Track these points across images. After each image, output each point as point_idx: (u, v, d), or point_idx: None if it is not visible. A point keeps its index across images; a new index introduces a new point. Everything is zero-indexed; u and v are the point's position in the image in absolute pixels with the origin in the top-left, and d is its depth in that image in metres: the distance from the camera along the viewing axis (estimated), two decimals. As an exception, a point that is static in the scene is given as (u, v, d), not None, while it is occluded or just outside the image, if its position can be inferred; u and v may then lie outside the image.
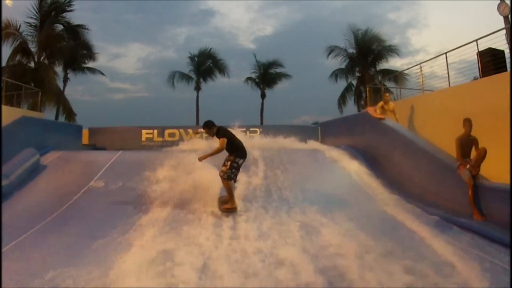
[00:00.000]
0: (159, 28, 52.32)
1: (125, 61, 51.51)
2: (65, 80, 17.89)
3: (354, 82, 19.18)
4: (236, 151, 5.50)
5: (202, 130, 5.71)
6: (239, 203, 5.76)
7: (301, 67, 42.73)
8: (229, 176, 5.42)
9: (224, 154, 5.63)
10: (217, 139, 5.56)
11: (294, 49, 47.85)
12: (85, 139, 14.15)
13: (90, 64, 18.71)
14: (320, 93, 40.80)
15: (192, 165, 6.43)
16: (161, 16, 52.13)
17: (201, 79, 21.63)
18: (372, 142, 8.94)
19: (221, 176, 5.47)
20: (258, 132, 14.65)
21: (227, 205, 5.47)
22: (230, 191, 5.46)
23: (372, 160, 8.36)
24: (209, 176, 6.04)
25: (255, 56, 22.11)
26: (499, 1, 7.17)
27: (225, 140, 5.38)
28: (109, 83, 48.27)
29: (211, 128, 5.58)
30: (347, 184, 7.17)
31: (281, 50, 47.78)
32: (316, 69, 40.29)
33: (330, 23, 43.87)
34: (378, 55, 18.49)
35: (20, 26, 15.40)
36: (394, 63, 43.16)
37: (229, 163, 5.43)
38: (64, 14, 16.73)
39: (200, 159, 5.55)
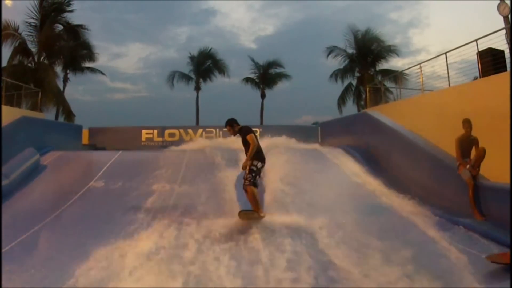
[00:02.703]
0: (160, 27, 52.15)
1: (126, 60, 51.31)
2: (65, 80, 17.88)
3: (354, 82, 19.20)
4: (256, 153, 5.05)
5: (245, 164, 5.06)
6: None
7: (302, 66, 42.55)
8: (251, 181, 4.91)
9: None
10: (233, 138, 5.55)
11: (295, 49, 47.74)
12: (85, 139, 14.14)
13: (90, 64, 18.72)
14: (321, 93, 40.71)
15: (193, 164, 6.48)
16: (162, 15, 52.02)
17: (201, 79, 21.63)
18: (372, 142, 8.95)
19: (245, 186, 4.95)
20: (258, 132, 14.66)
21: (254, 215, 4.95)
22: (254, 199, 4.93)
23: (372, 160, 8.36)
24: (207, 173, 6.13)
25: (252, 59, 22.05)
26: (499, 1, 7.17)
27: (253, 137, 5.03)
28: (110, 83, 48.13)
29: (234, 126, 5.27)
30: (346, 183, 7.16)
31: (282, 49, 47.55)
32: (317, 69, 40.15)
33: (332, 22, 43.75)
34: (378, 55, 18.49)
35: (18, 27, 15.42)
36: (395, 63, 42.95)
37: (247, 168, 4.99)
38: (64, 14, 16.73)
39: (244, 166, 5.04)
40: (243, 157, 5.37)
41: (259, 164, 5.04)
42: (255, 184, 4.96)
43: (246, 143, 5.09)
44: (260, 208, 5.02)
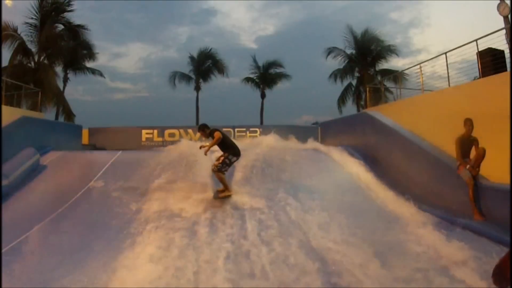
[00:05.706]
0: (161, 27, 52.12)
1: (126, 60, 51.27)
2: (65, 80, 17.89)
3: (354, 82, 19.20)
4: (230, 149, 5.99)
5: (205, 145, 6.08)
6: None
7: (303, 66, 42.52)
8: (219, 169, 5.89)
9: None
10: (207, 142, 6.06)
11: (296, 49, 47.72)
12: (85, 139, 14.16)
13: (91, 64, 18.73)
14: (321, 93, 40.70)
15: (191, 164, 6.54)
16: (162, 15, 51.98)
17: (201, 79, 21.63)
18: (372, 142, 8.94)
19: (213, 170, 5.98)
20: (258, 132, 14.66)
21: (224, 193, 5.97)
22: (223, 180, 5.98)
23: (372, 160, 8.35)
24: (205, 174, 6.42)
25: (254, 59, 22.02)
26: (499, 1, 7.16)
27: (219, 133, 5.84)
28: (110, 83, 48.02)
29: (205, 131, 6.07)
30: (346, 183, 7.16)
31: (283, 49, 47.49)
32: (317, 69, 40.10)
33: (332, 22, 43.73)
34: (378, 55, 18.48)
35: (17, 27, 15.41)
36: (395, 63, 43.08)
37: (222, 158, 5.94)
38: (64, 14, 16.73)
39: (203, 148, 5.95)
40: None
41: (234, 159, 6.02)
42: (221, 172, 5.91)
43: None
44: (228, 187, 6.02)
